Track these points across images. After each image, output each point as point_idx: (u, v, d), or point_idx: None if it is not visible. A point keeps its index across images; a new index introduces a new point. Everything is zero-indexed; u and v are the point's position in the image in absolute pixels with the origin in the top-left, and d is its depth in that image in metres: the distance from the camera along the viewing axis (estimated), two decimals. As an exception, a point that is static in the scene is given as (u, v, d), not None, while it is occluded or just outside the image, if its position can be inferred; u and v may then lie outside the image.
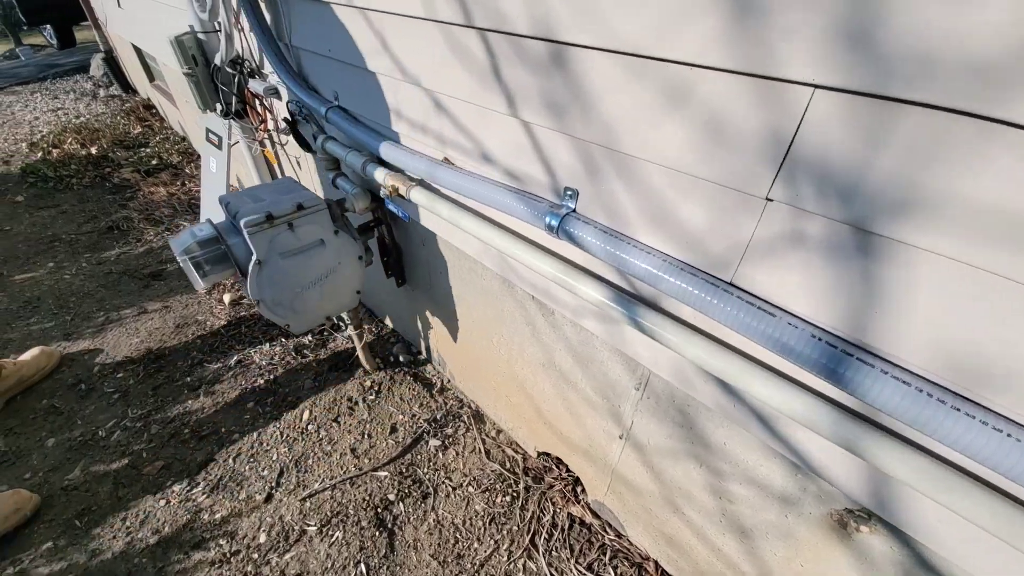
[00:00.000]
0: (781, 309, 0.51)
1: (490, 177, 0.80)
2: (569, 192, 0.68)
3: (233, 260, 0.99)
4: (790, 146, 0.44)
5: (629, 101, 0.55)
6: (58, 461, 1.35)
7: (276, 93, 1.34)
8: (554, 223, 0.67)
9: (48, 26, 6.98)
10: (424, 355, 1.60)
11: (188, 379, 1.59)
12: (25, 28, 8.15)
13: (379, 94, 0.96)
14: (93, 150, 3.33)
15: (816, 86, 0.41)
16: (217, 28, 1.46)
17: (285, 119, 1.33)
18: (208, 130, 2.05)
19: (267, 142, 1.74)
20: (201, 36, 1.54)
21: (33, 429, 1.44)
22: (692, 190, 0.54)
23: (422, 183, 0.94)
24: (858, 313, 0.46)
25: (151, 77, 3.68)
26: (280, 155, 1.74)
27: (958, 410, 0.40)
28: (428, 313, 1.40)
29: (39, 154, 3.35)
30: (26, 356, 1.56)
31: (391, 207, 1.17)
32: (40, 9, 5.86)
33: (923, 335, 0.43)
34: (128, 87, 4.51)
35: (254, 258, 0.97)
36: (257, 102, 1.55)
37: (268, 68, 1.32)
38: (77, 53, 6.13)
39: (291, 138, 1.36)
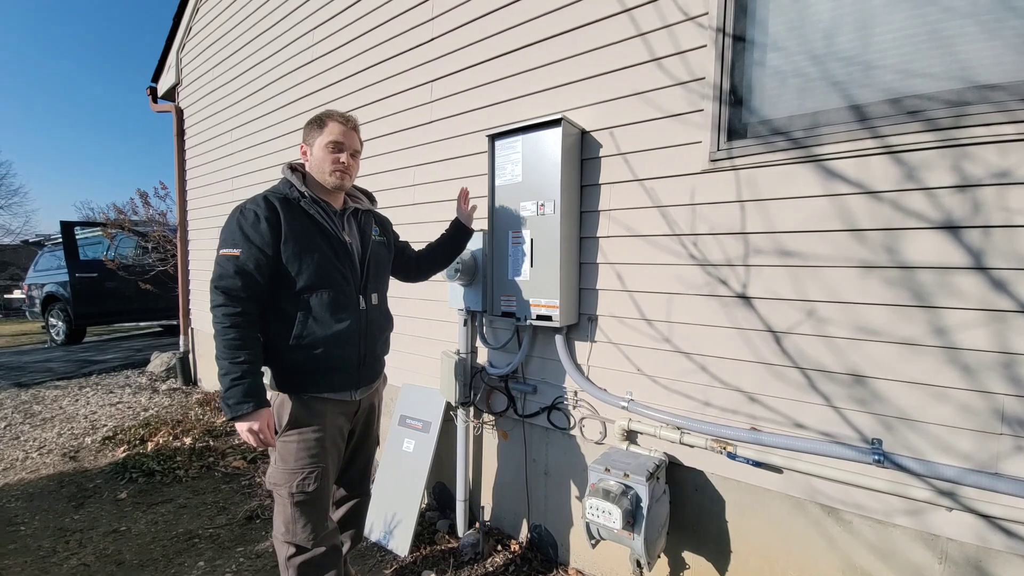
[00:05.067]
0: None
1: (804, 436, 1.46)
2: (877, 440, 1.36)
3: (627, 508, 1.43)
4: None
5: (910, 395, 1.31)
6: None
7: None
8: (879, 458, 1.32)
9: (60, 324, 7.42)
10: (667, 604, 1.81)
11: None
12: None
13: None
14: (187, 440, 3.45)
15: (1005, 394, 1.20)
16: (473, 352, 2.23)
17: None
18: (405, 416, 2.56)
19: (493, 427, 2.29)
20: (465, 357, 2.26)
21: None
22: (954, 434, 1.26)
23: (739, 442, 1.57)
24: None
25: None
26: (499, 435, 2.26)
27: None
28: (685, 553, 1.75)
29: (121, 448, 3.37)
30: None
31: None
32: (95, 315, 6.50)
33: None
34: (191, 381, 4.84)
35: (646, 502, 1.43)
36: (496, 396, 2.19)
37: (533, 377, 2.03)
38: (110, 351, 6.44)
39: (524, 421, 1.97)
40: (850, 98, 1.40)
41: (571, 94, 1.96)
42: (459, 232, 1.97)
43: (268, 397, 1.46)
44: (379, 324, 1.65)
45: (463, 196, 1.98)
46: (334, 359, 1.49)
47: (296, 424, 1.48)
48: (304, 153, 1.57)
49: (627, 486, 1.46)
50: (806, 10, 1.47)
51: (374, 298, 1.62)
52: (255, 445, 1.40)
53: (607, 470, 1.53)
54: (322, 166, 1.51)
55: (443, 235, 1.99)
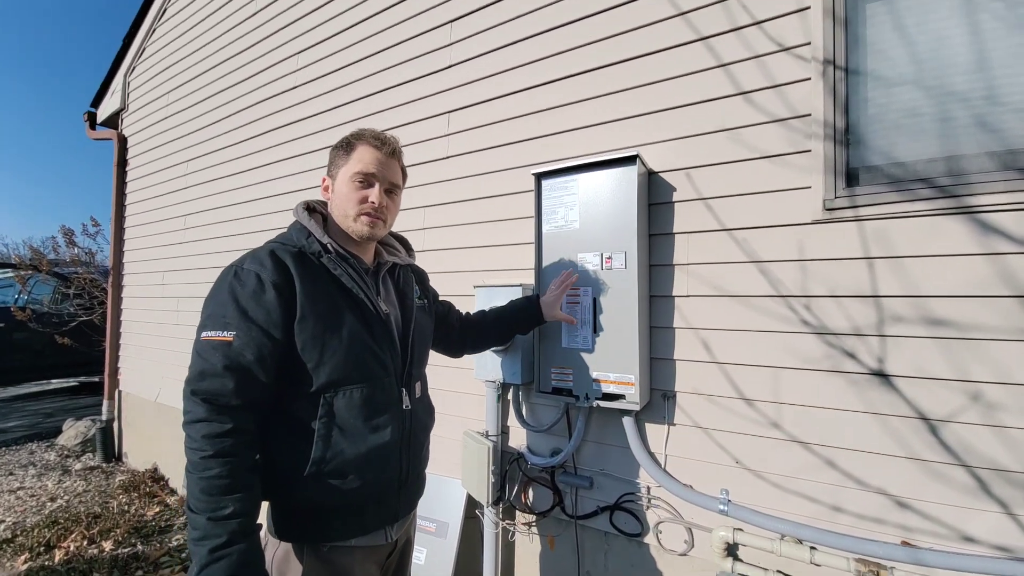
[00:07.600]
0: None
1: (978, 553, 1.15)
2: (1083, 564, 1.07)
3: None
4: None
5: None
6: None
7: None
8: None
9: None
10: None
11: None
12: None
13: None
14: (107, 545, 2.69)
15: None
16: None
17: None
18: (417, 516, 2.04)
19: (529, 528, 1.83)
20: (496, 439, 1.83)
21: None
22: None
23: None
24: None
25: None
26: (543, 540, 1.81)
27: None
28: None
29: (22, 558, 2.56)
30: None
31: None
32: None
33: None
34: (113, 456, 3.98)
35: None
36: (537, 490, 1.76)
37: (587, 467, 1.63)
38: (13, 416, 5.32)
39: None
40: (1005, 142, 1.20)
41: (629, 130, 1.68)
42: (532, 316, 1.51)
43: (265, 553, 0.97)
44: (424, 425, 1.20)
45: (564, 280, 1.50)
46: (368, 488, 1.02)
47: None
48: (326, 188, 1.15)
49: (779, 646, 1.07)
50: (940, 41, 1.28)
51: (418, 389, 1.18)
52: None
53: (740, 618, 1.13)
54: (344, 207, 1.09)
55: (510, 307, 1.53)
